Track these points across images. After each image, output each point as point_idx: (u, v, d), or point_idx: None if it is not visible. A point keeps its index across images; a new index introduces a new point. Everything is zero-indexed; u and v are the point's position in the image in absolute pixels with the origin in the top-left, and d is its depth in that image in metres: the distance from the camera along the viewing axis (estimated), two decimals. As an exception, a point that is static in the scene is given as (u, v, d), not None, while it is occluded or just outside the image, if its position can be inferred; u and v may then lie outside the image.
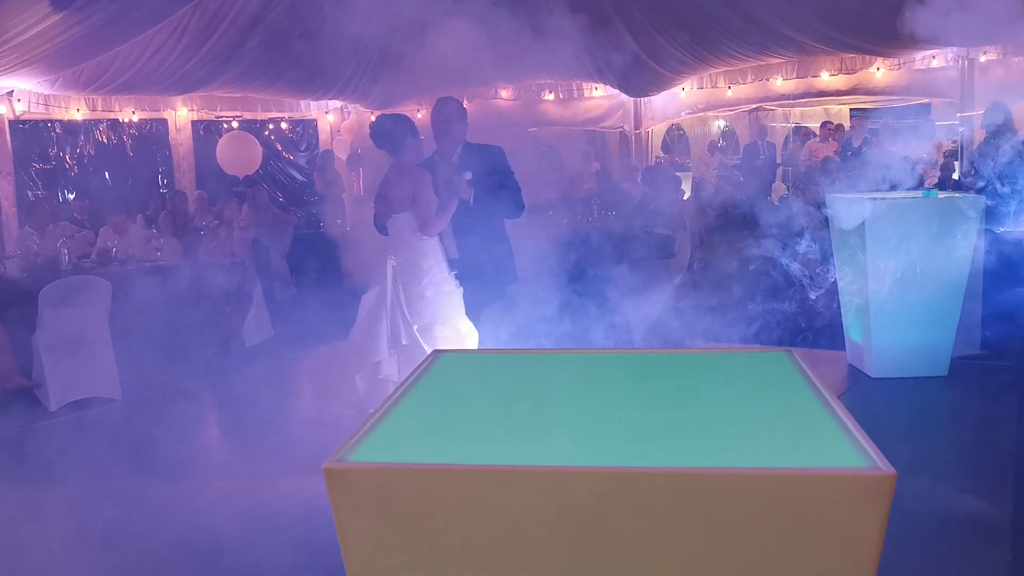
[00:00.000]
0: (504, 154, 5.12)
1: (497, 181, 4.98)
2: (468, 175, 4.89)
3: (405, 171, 4.91)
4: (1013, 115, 7.15)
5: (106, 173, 12.16)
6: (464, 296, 4.91)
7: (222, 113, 12.72)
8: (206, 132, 12.90)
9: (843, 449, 1.76)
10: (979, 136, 8.96)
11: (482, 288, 4.96)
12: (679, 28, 10.98)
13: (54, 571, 3.77)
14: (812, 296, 7.76)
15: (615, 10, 10.59)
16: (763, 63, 12.04)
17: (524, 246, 7.88)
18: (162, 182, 12.80)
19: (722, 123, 14.97)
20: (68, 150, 11.90)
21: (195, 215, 10.24)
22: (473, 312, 4.95)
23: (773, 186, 12.31)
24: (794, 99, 12.47)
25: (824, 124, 12.50)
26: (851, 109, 13.22)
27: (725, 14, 10.36)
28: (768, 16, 10.05)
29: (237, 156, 11.67)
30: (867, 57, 11.25)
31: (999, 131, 6.85)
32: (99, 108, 11.25)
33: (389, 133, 4.92)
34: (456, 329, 4.86)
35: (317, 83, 11.85)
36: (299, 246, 9.63)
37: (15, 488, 4.72)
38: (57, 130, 11.70)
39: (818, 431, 1.89)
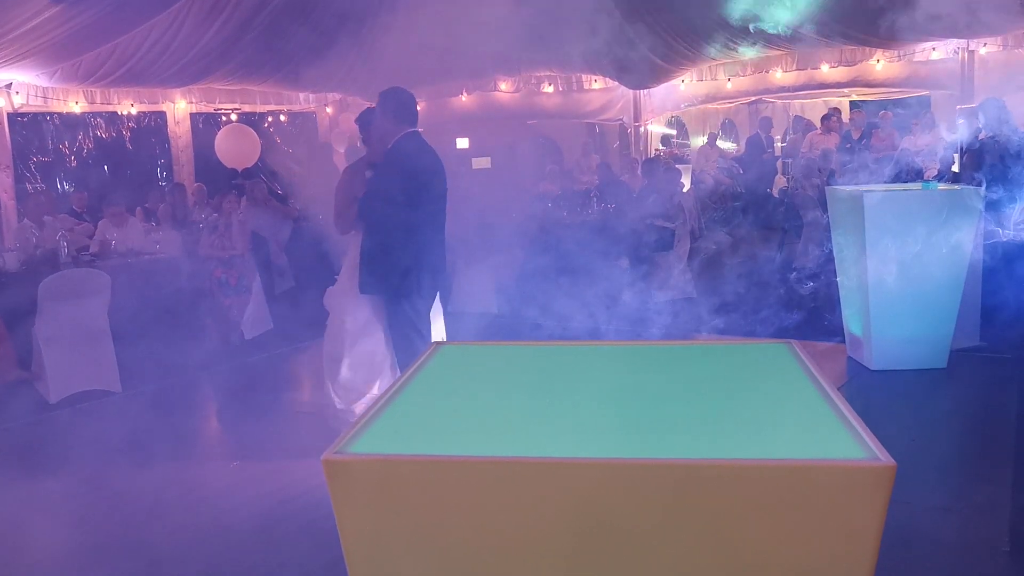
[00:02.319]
0: (399, 160, 4.54)
1: (387, 184, 4.52)
2: (369, 173, 4.67)
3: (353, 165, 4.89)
4: (1009, 108, 7.14)
5: (105, 166, 12.15)
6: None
7: (221, 106, 12.69)
8: (205, 125, 12.87)
9: (843, 440, 1.76)
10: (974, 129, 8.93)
11: (382, 298, 4.69)
12: (678, 19, 10.94)
13: (54, 565, 3.77)
14: (811, 286, 7.77)
15: (615, 2, 10.56)
16: (763, 55, 12.01)
17: (521, 239, 7.88)
18: (161, 175, 12.79)
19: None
20: (67, 143, 11.88)
21: (194, 208, 10.22)
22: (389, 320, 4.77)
23: (775, 178, 12.30)
24: (794, 91, 12.45)
25: (825, 117, 12.48)
26: (851, 101, 13.20)
27: (724, 5, 10.32)
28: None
29: (236, 149, 11.65)
30: (867, 49, 11.23)
31: (995, 124, 6.83)
32: (98, 101, 11.22)
33: (361, 126, 4.89)
34: (344, 327, 4.85)
35: (316, 75, 11.81)
36: (298, 239, 9.61)
37: (15, 481, 4.72)
38: (56, 123, 11.68)
39: (818, 422, 1.89)
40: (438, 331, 5.29)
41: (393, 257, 4.53)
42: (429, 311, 4.79)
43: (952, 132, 10.82)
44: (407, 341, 4.64)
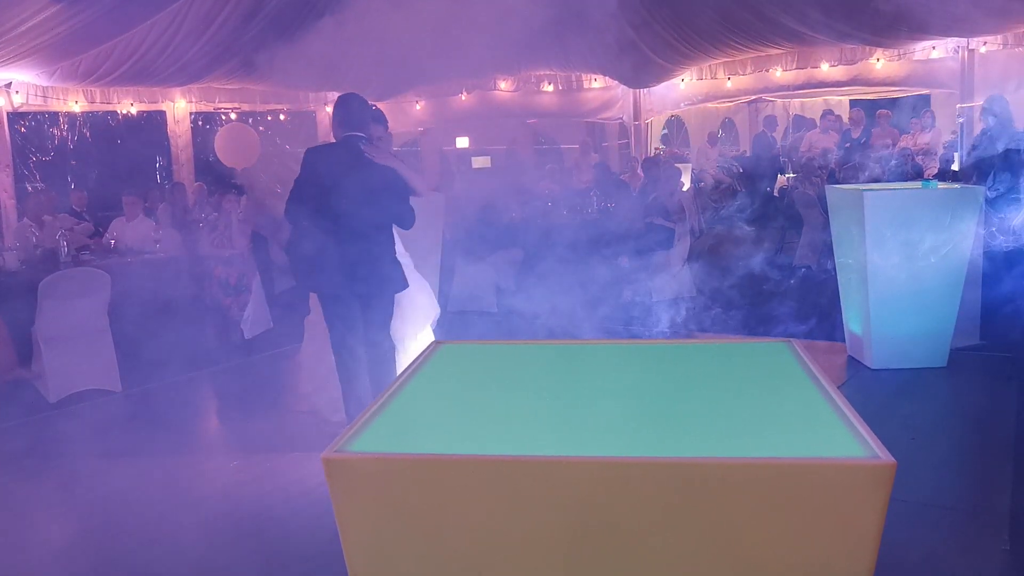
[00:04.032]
0: (308, 163, 4.68)
1: (296, 186, 4.69)
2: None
3: None
4: (1011, 107, 7.12)
5: (105, 165, 12.15)
6: None
7: (220, 105, 12.69)
8: (205, 124, 12.87)
9: (843, 439, 1.76)
10: (977, 127, 8.92)
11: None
12: (678, 18, 10.94)
13: (54, 563, 3.77)
14: (811, 285, 7.76)
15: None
16: (763, 54, 12.01)
17: (521, 238, 7.87)
18: (161, 174, 12.79)
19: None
20: (66, 142, 11.88)
21: (194, 207, 10.22)
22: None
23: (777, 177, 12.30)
24: (794, 90, 12.45)
25: (825, 114, 12.49)
26: (850, 100, 13.21)
27: (724, 3, 10.33)
28: (767, 5, 10.02)
29: (235, 148, 11.64)
30: (867, 48, 11.23)
31: (998, 122, 6.80)
32: (97, 100, 11.22)
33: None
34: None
35: (316, 74, 11.80)
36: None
37: (15, 480, 4.72)
38: (55, 122, 11.68)
39: (818, 421, 1.89)
40: (426, 336, 5.26)
41: (301, 257, 4.67)
42: (373, 317, 4.70)
43: (952, 131, 10.82)
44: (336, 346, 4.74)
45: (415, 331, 5.16)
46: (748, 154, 12.88)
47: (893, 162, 9.66)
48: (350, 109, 4.68)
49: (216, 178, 11.18)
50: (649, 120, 13.91)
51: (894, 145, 10.74)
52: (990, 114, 6.93)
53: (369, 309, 4.67)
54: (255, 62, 10.85)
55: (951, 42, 10.60)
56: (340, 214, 4.49)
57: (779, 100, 13.66)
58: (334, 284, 4.59)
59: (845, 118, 12.46)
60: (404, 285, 4.79)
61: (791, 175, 11.60)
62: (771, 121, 13.35)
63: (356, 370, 4.69)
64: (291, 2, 9.83)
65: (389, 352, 4.78)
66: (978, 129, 7.72)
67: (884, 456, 1.63)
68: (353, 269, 4.54)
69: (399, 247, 4.97)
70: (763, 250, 9.18)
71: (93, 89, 10.89)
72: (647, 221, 8.46)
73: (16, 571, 3.69)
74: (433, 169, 12.26)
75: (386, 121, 5.07)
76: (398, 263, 4.78)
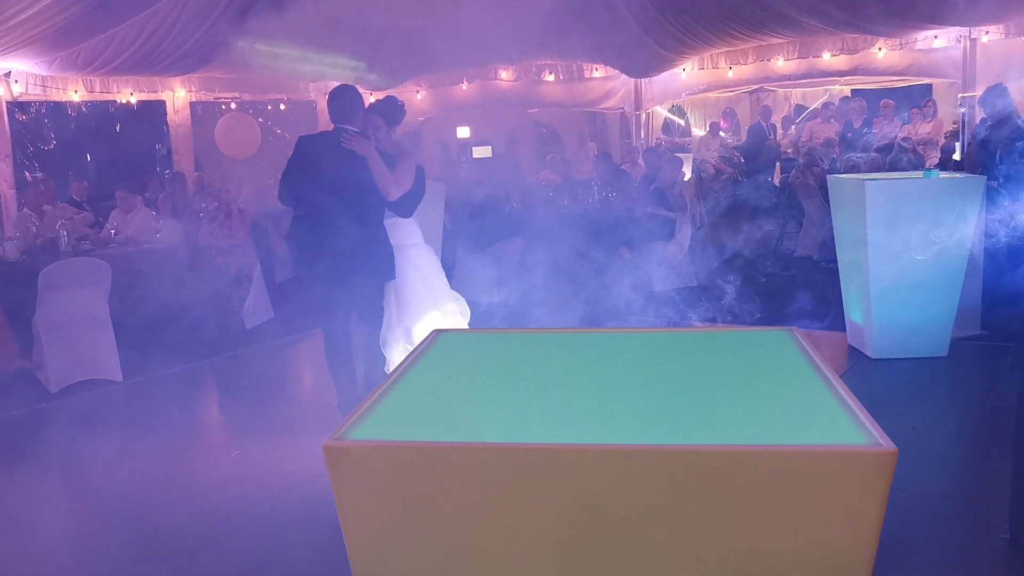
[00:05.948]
0: (296, 143, 4.91)
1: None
2: None
3: None
4: (1012, 95, 7.09)
5: (104, 155, 12.13)
6: None
7: (220, 94, 12.64)
8: (204, 113, 12.84)
9: (845, 426, 1.76)
10: (979, 116, 8.90)
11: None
12: (680, 7, 10.89)
13: (54, 554, 3.78)
14: (812, 275, 7.75)
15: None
16: (764, 43, 11.96)
17: (522, 227, 7.86)
18: (161, 164, 12.77)
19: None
20: (66, 132, 11.86)
21: (194, 197, 10.20)
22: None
23: (776, 167, 12.28)
24: (795, 80, 12.40)
25: (842, 100, 12.45)
26: (852, 90, 13.17)
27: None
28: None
29: (236, 138, 11.62)
30: (869, 37, 11.18)
31: (999, 112, 6.77)
32: (97, 89, 11.18)
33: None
34: None
35: (315, 64, 11.77)
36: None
37: (16, 470, 4.73)
38: (55, 112, 11.66)
39: (820, 409, 1.89)
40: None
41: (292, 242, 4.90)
42: (360, 304, 4.79)
43: (954, 120, 10.79)
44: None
45: (424, 321, 5.01)
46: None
47: (895, 151, 9.64)
48: (340, 102, 4.79)
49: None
50: (651, 110, 13.87)
51: (896, 135, 10.72)
52: (990, 103, 6.91)
53: (355, 296, 4.73)
54: (251, 51, 10.83)
55: (953, 31, 10.56)
56: (321, 201, 4.58)
57: (780, 90, 13.60)
58: (316, 270, 4.66)
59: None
60: (390, 276, 4.83)
61: (787, 165, 11.58)
62: (767, 111, 13.32)
63: (343, 358, 4.75)
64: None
65: (374, 339, 4.86)
66: (979, 118, 7.70)
67: (886, 444, 1.63)
68: (336, 256, 4.59)
69: (416, 236, 5.03)
70: (764, 240, 9.17)
71: (93, 78, 10.85)
72: (648, 211, 8.45)
73: (17, 560, 3.70)
74: (434, 159, 12.23)
75: (393, 113, 4.98)
76: (385, 252, 4.80)
